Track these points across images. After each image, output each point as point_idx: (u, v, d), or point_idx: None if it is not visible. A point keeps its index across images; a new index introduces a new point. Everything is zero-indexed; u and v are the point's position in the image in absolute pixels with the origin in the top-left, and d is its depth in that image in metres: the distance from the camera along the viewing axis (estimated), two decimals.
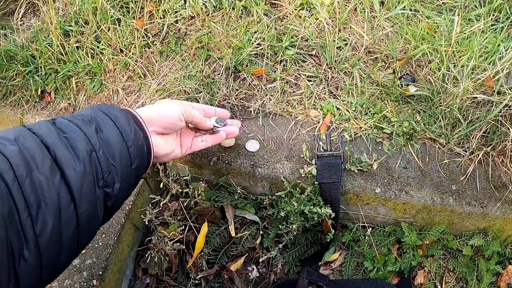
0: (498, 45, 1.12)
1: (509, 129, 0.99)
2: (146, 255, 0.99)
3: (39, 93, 1.13)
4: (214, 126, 0.84)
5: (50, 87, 1.13)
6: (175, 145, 0.78)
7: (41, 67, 1.14)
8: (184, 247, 1.01)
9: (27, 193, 0.47)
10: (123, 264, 1.00)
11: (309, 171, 0.97)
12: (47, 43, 1.15)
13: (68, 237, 0.52)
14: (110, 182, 0.58)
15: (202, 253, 1.01)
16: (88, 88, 1.12)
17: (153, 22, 1.15)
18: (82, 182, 0.53)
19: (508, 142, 1.01)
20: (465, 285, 1.07)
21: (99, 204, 0.57)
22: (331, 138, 1.00)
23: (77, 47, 1.15)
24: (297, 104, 1.08)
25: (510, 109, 1.02)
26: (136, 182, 0.67)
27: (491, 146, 1.04)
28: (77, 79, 1.13)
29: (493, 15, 1.23)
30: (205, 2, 1.14)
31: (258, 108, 1.06)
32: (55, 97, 1.14)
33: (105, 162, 0.58)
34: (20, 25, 1.23)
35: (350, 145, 1.02)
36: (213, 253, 1.03)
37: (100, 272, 0.90)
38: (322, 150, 0.99)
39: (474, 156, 1.03)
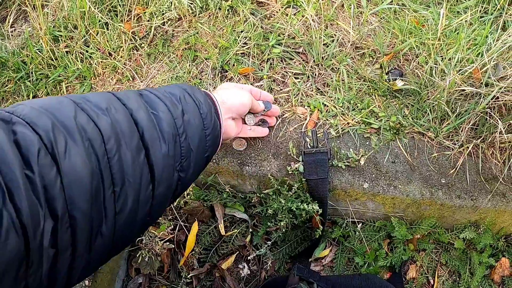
0: (486, 37, 1.11)
1: (497, 121, 0.99)
2: (138, 255, 1.00)
3: (30, 98, 1.15)
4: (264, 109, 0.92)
5: (42, 92, 1.15)
6: (237, 129, 0.83)
7: (32, 72, 1.15)
8: (175, 246, 1.02)
9: (115, 170, 0.46)
10: (115, 265, 1.01)
11: (296, 168, 0.97)
12: (37, 49, 1.16)
13: (141, 217, 0.51)
14: (185, 167, 0.58)
15: (193, 252, 1.02)
16: (78, 92, 1.14)
17: (141, 25, 1.16)
18: (164, 165, 0.53)
19: (497, 134, 1.00)
20: (458, 279, 1.06)
21: (173, 188, 0.57)
22: (318, 135, 1.00)
23: (66, 52, 1.16)
24: (284, 101, 1.08)
25: (498, 101, 1.01)
26: (204, 167, 0.68)
27: (481, 138, 1.04)
28: (67, 83, 1.14)
29: (481, 6, 1.22)
30: (191, 3, 1.14)
31: None
32: None
33: (186, 147, 0.57)
34: (11, 32, 1.25)
35: (338, 141, 1.02)
36: (204, 251, 1.04)
37: (92, 273, 0.92)
38: (308, 147, 0.99)
39: (463, 149, 1.03)
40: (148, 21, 1.15)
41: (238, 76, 1.10)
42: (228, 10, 1.16)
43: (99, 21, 1.15)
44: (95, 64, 1.14)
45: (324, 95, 1.08)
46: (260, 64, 1.12)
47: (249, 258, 1.03)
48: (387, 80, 1.09)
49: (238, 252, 1.06)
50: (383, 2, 1.20)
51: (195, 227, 1.01)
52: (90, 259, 0.46)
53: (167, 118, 0.55)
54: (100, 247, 0.46)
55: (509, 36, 1.08)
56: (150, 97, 0.57)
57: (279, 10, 1.19)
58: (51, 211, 0.40)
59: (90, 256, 0.46)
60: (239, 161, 0.99)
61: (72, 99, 0.48)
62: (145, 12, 1.16)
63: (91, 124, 0.46)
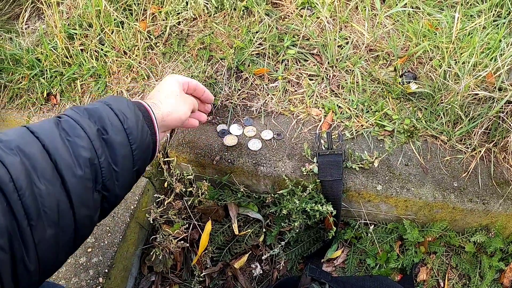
0: (500, 41, 1.11)
1: (510, 126, 0.99)
2: (151, 253, 1.01)
3: (45, 95, 1.15)
4: None
5: (56, 89, 1.15)
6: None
7: (46, 70, 1.16)
8: (188, 245, 1.03)
9: (27, 204, 0.48)
10: (129, 262, 1.02)
11: (311, 169, 0.98)
12: (52, 46, 1.17)
13: (65, 241, 0.53)
14: (109, 186, 0.59)
15: (206, 251, 1.03)
16: (93, 90, 1.14)
17: (156, 24, 1.17)
18: (81, 188, 0.54)
19: (510, 138, 1.01)
20: (467, 282, 1.07)
21: (96, 207, 0.58)
22: (332, 137, 1.01)
23: (81, 49, 1.17)
24: (299, 103, 1.09)
25: (511, 105, 1.02)
26: (135, 180, 0.68)
27: (493, 142, 1.05)
28: (82, 81, 1.15)
29: (495, 10, 1.22)
30: (207, 3, 1.15)
31: (260, 108, 1.07)
32: (60, 99, 1.16)
33: (106, 168, 0.58)
34: (25, 29, 1.25)
35: (352, 143, 1.03)
36: (217, 251, 1.05)
37: (106, 270, 0.92)
38: (323, 148, 1.00)
39: (475, 153, 1.04)
40: (164, 20, 1.16)
41: (253, 77, 1.10)
42: (243, 10, 1.16)
43: (114, 20, 1.15)
44: (110, 62, 1.14)
45: (339, 97, 1.09)
46: (275, 65, 1.13)
47: (262, 258, 1.04)
48: (401, 83, 1.10)
49: (251, 251, 1.07)
50: (397, 5, 1.20)
51: (208, 226, 1.02)
52: (18, 285, 0.48)
53: (84, 143, 0.56)
54: (25, 275, 0.48)
55: None
56: (69, 122, 0.58)
57: (294, 11, 1.20)
58: None
59: (18, 284, 0.48)
60: (254, 161, 1.00)
61: None
62: (160, 12, 1.16)
63: None
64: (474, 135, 1.05)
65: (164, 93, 0.78)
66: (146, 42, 1.15)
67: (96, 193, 0.57)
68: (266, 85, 1.10)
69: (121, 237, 0.96)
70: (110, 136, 0.60)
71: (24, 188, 0.48)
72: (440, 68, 1.09)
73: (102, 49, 1.16)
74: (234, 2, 1.16)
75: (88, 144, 0.56)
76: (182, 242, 1.01)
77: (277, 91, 1.09)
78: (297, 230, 0.99)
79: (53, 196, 0.50)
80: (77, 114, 0.60)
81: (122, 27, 1.16)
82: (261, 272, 1.06)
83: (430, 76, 1.11)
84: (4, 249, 0.45)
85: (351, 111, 1.06)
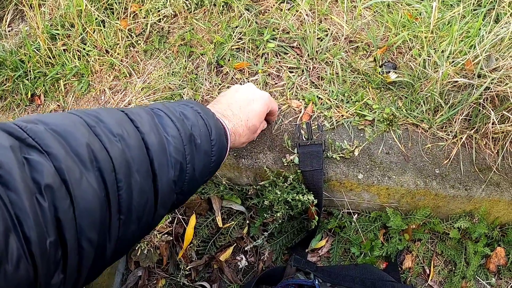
0: (479, 29, 1.12)
1: (490, 112, 1.00)
2: (137, 248, 1.01)
3: (29, 96, 1.17)
4: None
5: (40, 90, 1.17)
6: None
7: (30, 71, 1.17)
8: (173, 239, 1.04)
9: (123, 199, 0.46)
10: None
11: (292, 160, 0.99)
12: (35, 48, 1.18)
13: (139, 236, 0.53)
14: (185, 191, 0.58)
15: (192, 245, 1.03)
16: (76, 89, 1.15)
17: (137, 22, 1.18)
18: (168, 190, 0.53)
19: (490, 124, 1.02)
20: (453, 268, 1.07)
21: (169, 208, 0.57)
22: (312, 127, 1.02)
23: (64, 50, 1.18)
24: (279, 95, 1.09)
25: (491, 92, 1.03)
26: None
27: (474, 129, 1.05)
28: (65, 81, 1.16)
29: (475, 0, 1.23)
30: (186, 0, 1.16)
31: None
32: (44, 99, 1.17)
33: (190, 174, 0.57)
34: (9, 31, 1.27)
35: (332, 133, 1.03)
36: (202, 244, 1.05)
37: None
38: (303, 139, 1.00)
39: (457, 140, 1.04)
40: (144, 18, 1.17)
41: (233, 71, 1.11)
42: (223, 6, 1.17)
43: (96, 19, 1.16)
44: (92, 61, 1.15)
45: (319, 88, 1.09)
46: (255, 59, 1.13)
47: (246, 249, 1.04)
48: (381, 73, 1.10)
49: (235, 244, 1.07)
50: None
51: (193, 220, 1.02)
52: (89, 276, 0.47)
53: (177, 144, 0.55)
54: (100, 267, 0.48)
55: (502, 28, 1.09)
56: (164, 119, 0.56)
57: (274, 5, 1.20)
58: (61, 240, 0.40)
59: (90, 275, 0.47)
60: (235, 154, 1.01)
61: (86, 119, 0.47)
62: (141, 10, 1.17)
63: (103, 152, 0.45)
64: (455, 122, 1.05)
65: (247, 123, 0.77)
66: (128, 40, 1.16)
67: (174, 195, 0.56)
68: (246, 79, 1.11)
69: None
70: (201, 143, 0.59)
71: (123, 181, 0.46)
72: (420, 57, 1.10)
73: (84, 49, 1.17)
74: None
75: (181, 146, 0.55)
76: (167, 236, 1.01)
77: (257, 84, 1.10)
78: (280, 221, 0.99)
79: (144, 192, 0.49)
80: (173, 114, 0.59)
81: (104, 26, 1.17)
82: (247, 263, 1.06)
83: (410, 65, 1.12)
84: (93, 243, 0.43)
85: (331, 101, 1.07)
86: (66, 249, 0.40)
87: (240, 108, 0.77)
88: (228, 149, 0.72)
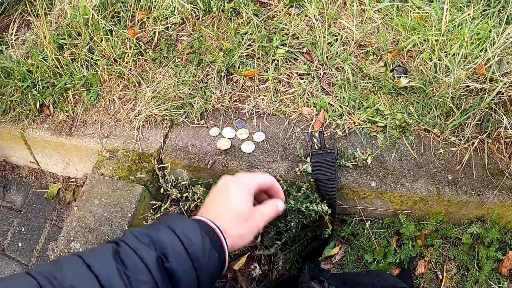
0: (490, 31, 1.11)
1: (503, 116, 0.99)
2: None
3: (38, 107, 1.16)
4: None
5: (48, 100, 1.16)
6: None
7: (38, 81, 1.16)
8: None
9: None
10: None
11: (305, 169, 0.98)
12: (42, 57, 1.17)
13: None
14: None
15: None
16: (85, 99, 1.15)
17: (145, 30, 1.17)
18: None
19: (502, 129, 1.01)
20: (466, 273, 1.08)
21: None
22: (325, 135, 1.01)
23: (71, 59, 1.17)
24: (290, 102, 1.09)
25: (503, 96, 1.02)
26: None
27: (486, 133, 1.05)
28: (73, 91, 1.15)
29: (484, 0, 1.22)
30: (194, 7, 1.15)
31: (251, 109, 1.08)
32: (53, 110, 1.16)
33: None
34: (15, 40, 1.26)
35: (344, 141, 1.03)
36: None
37: None
38: (316, 147, 1.00)
39: (469, 145, 1.04)
40: (152, 26, 1.16)
41: (243, 79, 1.10)
42: (231, 12, 1.16)
43: (103, 28, 1.15)
44: (101, 71, 1.14)
45: (330, 94, 1.09)
46: (265, 66, 1.13)
47: (260, 258, 1.05)
48: (392, 78, 1.10)
49: (249, 252, 1.07)
50: None
51: None
52: None
53: (143, 277, 0.53)
54: None
55: None
56: (128, 253, 0.54)
57: (282, 10, 1.19)
58: None
59: None
60: (248, 164, 1.00)
61: (37, 278, 0.49)
62: (148, 17, 1.16)
63: None
64: (467, 127, 1.05)
65: (229, 212, 0.67)
66: (136, 49, 1.15)
67: None
68: (256, 86, 1.10)
69: None
70: (172, 264, 0.55)
71: None
72: (431, 61, 1.09)
73: (92, 58, 1.16)
74: (221, 4, 1.16)
75: (148, 276, 0.53)
76: None
77: (268, 92, 1.09)
78: (293, 230, 0.99)
79: None
80: (137, 241, 0.56)
81: (111, 34, 1.16)
82: (260, 272, 1.06)
83: (421, 69, 1.11)
84: None
85: (342, 108, 1.06)
86: None
87: (218, 201, 0.70)
88: (226, 249, 0.64)
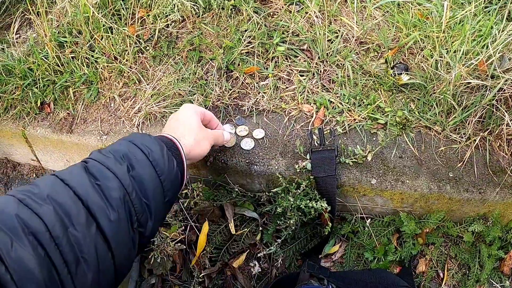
0: (491, 28, 1.10)
1: (504, 113, 0.98)
2: (150, 257, 1.01)
3: (38, 104, 1.16)
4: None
5: (49, 98, 1.16)
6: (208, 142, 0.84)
7: (39, 79, 1.16)
8: (186, 246, 1.04)
9: (65, 252, 0.48)
10: None
11: (304, 166, 0.98)
12: (43, 56, 1.17)
13: (107, 281, 0.54)
14: (143, 222, 0.59)
15: (205, 252, 1.03)
16: (85, 97, 1.15)
17: (145, 28, 1.17)
18: (117, 230, 0.54)
19: (504, 126, 1.00)
20: (467, 272, 1.07)
21: (134, 245, 0.58)
22: (324, 132, 1.01)
23: (72, 57, 1.17)
24: (290, 99, 1.08)
25: (504, 93, 1.01)
26: (168, 211, 0.68)
27: (488, 131, 1.04)
28: (74, 89, 1.15)
29: None
30: (194, 4, 1.15)
31: (251, 106, 1.07)
32: (54, 107, 1.17)
33: (138, 203, 0.58)
34: (16, 39, 1.26)
35: (345, 138, 1.02)
36: (215, 251, 1.05)
37: None
38: (316, 144, 1.00)
39: (470, 142, 1.03)
40: (152, 23, 1.16)
41: (243, 76, 1.10)
42: (231, 9, 1.16)
43: (103, 26, 1.15)
44: (101, 68, 1.15)
45: (330, 91, 1.08)
46: (265, 63, 1.12)
47: (259, 256, 1.04)
48: (393, 75, 1.09)
49: (248, 250, 1.07)
50: None
51: (205, 227, 1.02)
52: None
53: (113, 184, 0.56)
54: None
55: None
56: (96, 166, 0.58)
57: (282, 7, 1.19)
58: None
59: None
60: (247, 161, 1.00)
61: (17, 196, 0.51)
62: (148, 15, 1.16)
63: (33, 217, 0.48)
64: (468, 124, 1.04)
65: (185, 126, 0.79)
66: (136, 46, 1.15)
67: (132, 232, 0.57)
68: (256, 83, 1.10)
69: None
70: (137, 171, 0.60)
71: (61, 237, 0.48)
72: (432, 58, 1.09)
73: (92, 56, 1.16)
74: (221, 2, 1.16)
75: (117, 183, 0.57)
76: (180, 244, 1.01)
77: (268, 89, 1.09)
78: (293, 228, 0.99)
79: (90, 241, 0.51)
80: (103, 156, 0.61)
81: (112, 32, 1.16)
82: (260, 270, 1.06)
83: (422, 66, 1.10)
84: None
85: (343, 105, 1.06)
86: None
87: (172, 122, 0.81)
88: (184, 156, 0.72)
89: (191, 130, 0.79)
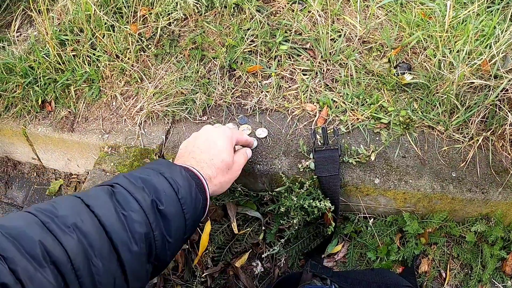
0: (494, 28, 1.10)
1: (507, 113, 0.98)
2: None
3: (39, 103, 1.16)
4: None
5: (50, 96, 1.16)
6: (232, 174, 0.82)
7: (40, 77, 1.16)
8: (188, 246, 1.03)
9: (85, 284, 0.48)
10: None
11: (307, 165, 0.98)
12: (44, 54, 1.17)
13: None
14: (161, 256, 0.59)
15: (207, 251, 1.03)
16: (87, 95, 1.14)
17: (147, 26, 1.16)
18: (136, 263, 0.54)
19: (507, 126, 1.00)
20: (469, 271, 1.07)
21: (147, 277, 0.58)
22: (328, 132, 1.01)
23: (73, 55, 1.17)
24: (293, 98, 1.08)
25: (507, 93, 1.01)
26: (182, 246, 0.67)
27: (491, 130, 1.04)
28: (75, 87, 1.15)
29: None
30: (197, 2, 1.14)
31: (254, 105, 1.07)
32: (55, 106, 1.16)
33: (160, 240, 0.58)
34: (17, 37, 1.25)
35: (348, 137, 1.02)
36: (217, 250, 1.05)
37: None
38: (319, 144, 0.99)
39: (473, 142, 1.03)
40: (154, 22, 1.15)
41: (246, 75, 1.10)
42: (233, 8, 1.16)
43: (105, 24, 1.14)
44: (103, 67, 1.14)
45: (333, 91, 1.08)
46: (268, 62, 1.12)
47: (262, 255, 1.04)
48: (396, 74, 1.09)
49: (251, 250, 1.07)
50: None
51: (208, 227, 1.02)
52: None
53: (139, 217, 0.55)
54: None
55: None
56: (123, 194, 0.57)
57: (285, 6, 1.19)
58: None
59: None
60: (250, 160, 1.00)
61: (40, 217, 0.50)
62: (150, 13, 1.16)
63: (56, 246, 0.48)
64: (471, 124, 1.04)
65: (216, 166, 0.74)
66: (138, 45, 1.15)
67: (148, 265, 0.57)
68: (259, 82, 1.10)
69: None
70: (165, 207, 0.59)
71: (82, 268, 0.48)
72: (435, 57, 1.08)
73: (94, 54, 1.16)
74: (224, 0, 1.15)
75: (143, 218, 0.56)
76: None
77: (271, 88, 1.09)
78: (296, 227, 0.99)
79: (109, 273, 0.51)
80: (131, 184, 0.59)
81: (113, 30, 1.16)
82: (262, 269, 1.06)
83: (425, 66, 1.10)
84: None
85: (346, 104, 1.05)
86: None
87: (203, 150, 0.75)
88: (208, 196, 0.70)
89: (222, 171, 0.75)
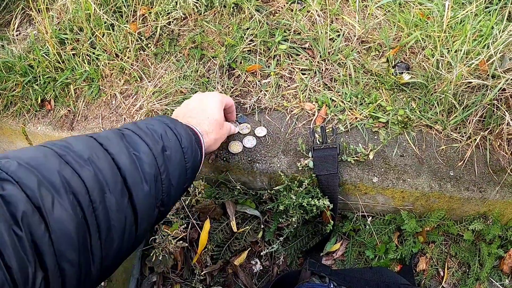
0: (492, 28, 1.11)
1: (505, 113, 0.99)
2: (151, 254, 1.01)
3: (39, 102, 1.16)
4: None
5: (50, 95, 1.16)
6: (220, 136, 0.88)
7: (39, 76, 1.16)
8: (188, 244, 1.04)
9: (100, 218, 0.48)
10: (129, 264, 1.02)
11: (306, 164, 0.98)
12: (43, 52, 1.17)
13: (125, 251, 0.55)
14: (166, 201, 0.60)
15: (206, 250, 1.03)
16: (86, 94, 1.15)
17: (146, 25, 1.16)
18: (146, 204, 0.55)
19: (504, 125, 1.01)
20: (467, 270, 1.07)
21: (154, 222, 0.60)
22: (326, 130, 1.01)
23: (73, 54, 1.17)
24: (292, 98, 1.09)
25: (505, 93, 1.02)
26: (182, 195, 0.71)
27: (488, 130, 1.04)
28: (75, 86, 1.15)
29: None
30: (196, 2, 1.14)
31: (253, 104, 1.07)
32: (55, 104, 1.16)
33: (166, 184, 0.60)
34: (17, 36, 1.25)
35: (346, 136, 1.03)
36: (216, 249, 1.05)
37: None
38: (318, 142, 1.00)
39: (471, 141, 1.04)
40: (154, 21, 1.15)
41: (245, 74, 1.10)
42: (233, 7, 1.16)
43: (105, 23, 1.15)
44: (102, 65, 1.14)
45: (332, 90, 1.09)
46: (267, 61, 1.12)
47: (261, 254, 1.04)
48: (394, 74, 1.09)
49: (250, 248, 1.07)
50: None
51: (207, 225, 1.02)
52: None
53: (149, 159, 0.57)
54: (88, 284, 0.49)
55: None
56: (133, 138, 0.59)
57: (284, 6, 1.19)
58: (41, 264, 0.42)
59: None
60: (249, 159, 1.00)
61: (56, 150, 0.50)
62: (150, 12, 1.16)
63: (75, 177, 0.48)
64: (469, 124, 1.04)
65: (211, 123, 0.81)
66: (137, 44, 1.15)
67: (156, 209, 0.58)
68: (258, 81, 1.10)
69: None
70: (170, 153, 0.62)
71: (98, 202, 0.48)
72: (433, 57, 1.09)
73: (93, 53, 1.16)
74: (223, 0, 1.15)
75: (152, 160, 0.57)
76: (181, 241, 1.01)
77: (270, 87, 1.09)
78: (295, 225, 0.99)
79: (121, 210, 0.51)
80: (140, 130, 0.61)
81: (113, 29, 1.16)
82: (261, 268, 1.06)
83: (423, 65, 1.11)
84: (74, 264, 0.45)
85: (344, 104, 1.06)
86: (47, 272, 0.42)
87: (198, 111, 0.82)
88: (204, 151, 0.75)
89: (216, 128, 0.82)
